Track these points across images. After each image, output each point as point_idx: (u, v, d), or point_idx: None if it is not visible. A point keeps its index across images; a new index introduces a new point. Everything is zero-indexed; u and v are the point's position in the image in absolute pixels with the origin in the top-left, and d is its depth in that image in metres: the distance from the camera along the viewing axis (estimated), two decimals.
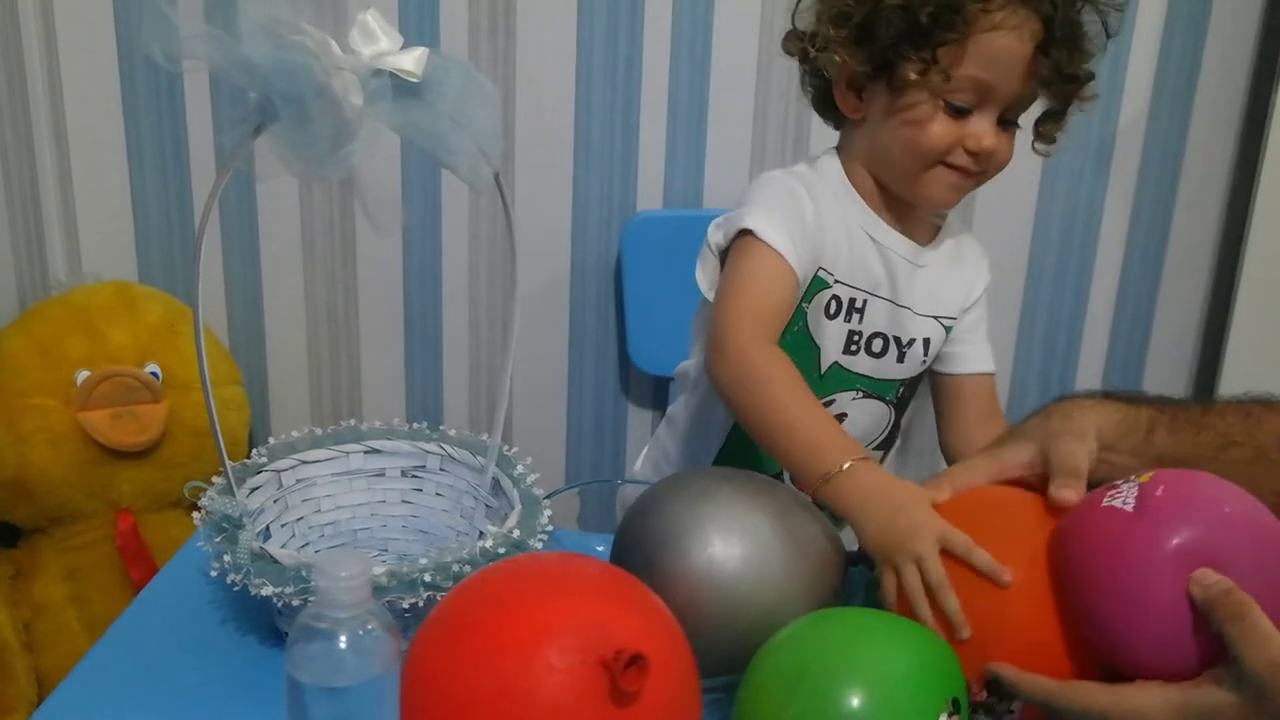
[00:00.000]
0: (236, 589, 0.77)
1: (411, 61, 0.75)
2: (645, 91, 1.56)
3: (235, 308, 1.71)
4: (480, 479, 0.94)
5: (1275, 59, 1.50)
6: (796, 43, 1.00)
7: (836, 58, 0.95)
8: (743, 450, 1.08)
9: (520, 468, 0.92)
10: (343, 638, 0.59)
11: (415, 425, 0.98)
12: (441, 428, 0.98)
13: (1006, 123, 0.96)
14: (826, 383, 1.03)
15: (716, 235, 1.00)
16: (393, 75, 0.74)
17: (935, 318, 1.06)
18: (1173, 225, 1.60)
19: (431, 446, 0.96)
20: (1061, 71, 0.92)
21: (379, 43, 0.74)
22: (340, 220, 1.66)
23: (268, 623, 0.85)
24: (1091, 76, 0.96)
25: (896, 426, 1.09)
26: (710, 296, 1.00)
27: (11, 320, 1.54)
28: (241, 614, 0.86)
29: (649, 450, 1.20)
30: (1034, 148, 1.01)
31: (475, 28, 1.55)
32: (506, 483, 0.91)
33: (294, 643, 0.60)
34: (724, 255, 1.00)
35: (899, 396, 1.07)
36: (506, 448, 0.94)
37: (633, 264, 1.59)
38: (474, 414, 1.73)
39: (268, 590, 0.75)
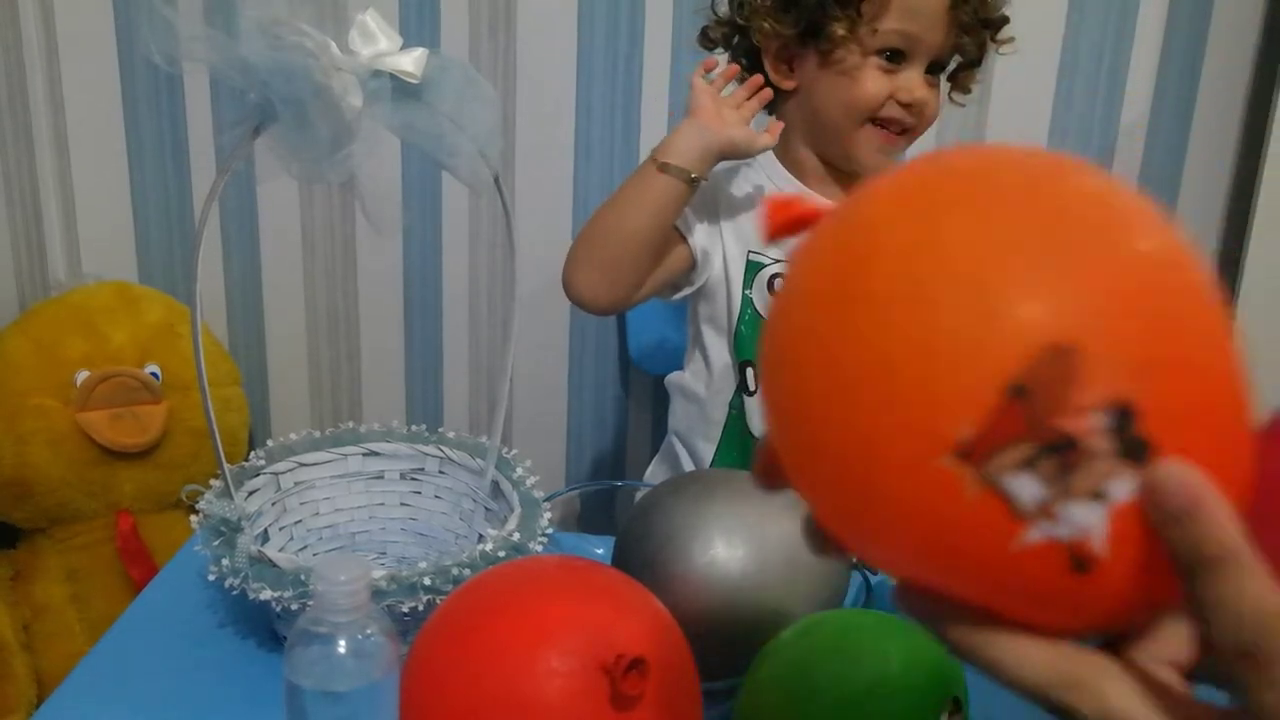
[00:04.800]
0: (235, 593, 0.77)
1: (411, 62, 0.75)
2: (645, 91, 1.56)
3: (235, 308, 1.71)
4: (480, 481, 0.93)
5: (1277, 60, 1.49)
6: (719, 28, 1.03)
7: (765, 24, 0.98)
8: (739, 450, 1.09)
9: (520, 470, 0.92)
10: (342, 642, 0.58)
11: (414, 428, 0.98)
12: (441, 430, 0.98)
13: (936, 72, 0.99)
14: None
15: None
16: (392, 76, 0.74)
17: None
18: None
19: (430, 449, 0.96)
20: (979, 16, 0.95)
21: (378, 44, 0.74)
22: (340, 220, 1.66)
23: (266, 626, 0.85)
24: (1006, 20, 0.99)
25: None
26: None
27: (11, 320, 1.54)
28: (240, 617, 0.86)
29: (657, 461, 1.21)
30: (950, 97, 1.02)
31: (475, 29, 1.55)
32: (506, 485, 0.91)
33: (293, 647, 0.59)
34: None
35: None
36: (506, 450, 0.94)
37: None
38: (474, 414, 1.73)
39: (266, 594, 0.75)
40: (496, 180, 0.81)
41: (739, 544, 0.76)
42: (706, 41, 1.06)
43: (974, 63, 1.00)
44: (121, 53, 1.61)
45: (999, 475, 0.34)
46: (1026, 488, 0.33)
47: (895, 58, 0.95)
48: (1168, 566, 0.35)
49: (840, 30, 0.94)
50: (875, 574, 0.83)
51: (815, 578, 0.78)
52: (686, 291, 1.05)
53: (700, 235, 1.01)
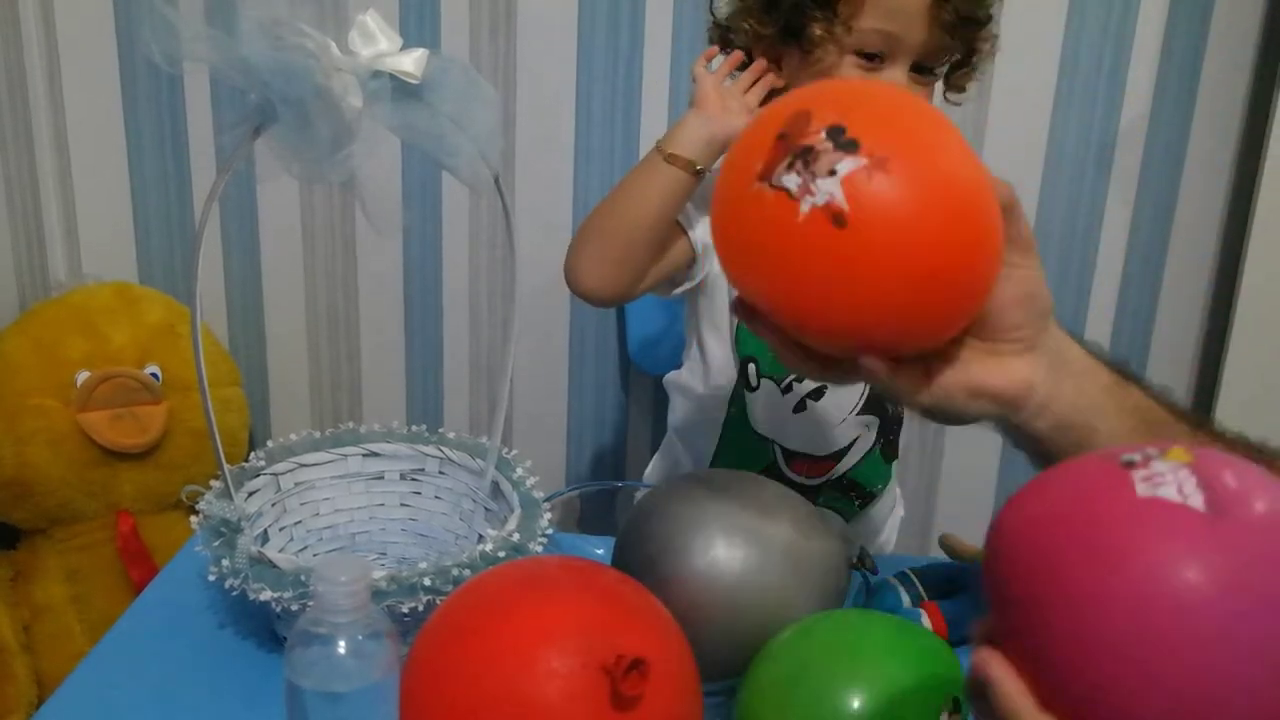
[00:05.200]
0: (235, 593, 0.77)
1: (411, 63, 0.75)
2: (645, 92, 1.56)
3: (235, 308, 1.71)
4: (480, 482, 0.93)
5: (1277, 60, 1.49)
6: (716, 30, 1.04)
7: (746, 25, 0.99)
8: (737, 449, 1.09)
9: (520, 470, 0.92)
10: (342, 642, 0.58)
11: (414, 428, 0.98)
12: (441, 430, 0.98)
13: (924, 72, 0.98)
14: None
15: None
16: (392, 77, 0.74)
17: None
18: (1174, 227, 1.60)
19: (430, 449, 0.96)
20: (962, 15, 0.94)
21: (379, 44, 0.74)
22: (340, 221, 1.66)
23: (267, 627, 0.85)
24: (989, 18, 0.98)
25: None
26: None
27: (12, 321, 1.54)
28: (241, 618, 0.86)
29: (658, 458, 1.21)
30: (946, 97, 1.02)
31: (476, 29, 1.55)
32: (506, 486, 0.91)
33: (293, 647, 0.59)
34: None
35: None
36: (506, 450, 0.94)
37: None
38: (474, 414, 1.73)
39: (266, 595, 0.75)
40: (496, 180, 0.81)
41: (739, 544, 0.76)
42: (712, 34, 1.07)
43: (964, 63, 1.00)
44: (121, 53, 1.61)
45: (777, 178, 0.57)
46: (792, 180, 0.57)
47: (874, 57, 0.95)
48: (913, 231, 0.56)
49: (817, 30, 0.94)
50: (875, 574, 0.83)
51: (815, 578, 0.78)
52: (685, 287, 1.05)
53: (701, 230, 1.01)
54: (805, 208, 0.56)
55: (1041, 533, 0.46)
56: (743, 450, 1.09)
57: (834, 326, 0.60)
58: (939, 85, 1.01)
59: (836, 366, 0.64)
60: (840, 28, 0.94)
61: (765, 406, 1.07)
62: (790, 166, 0.57)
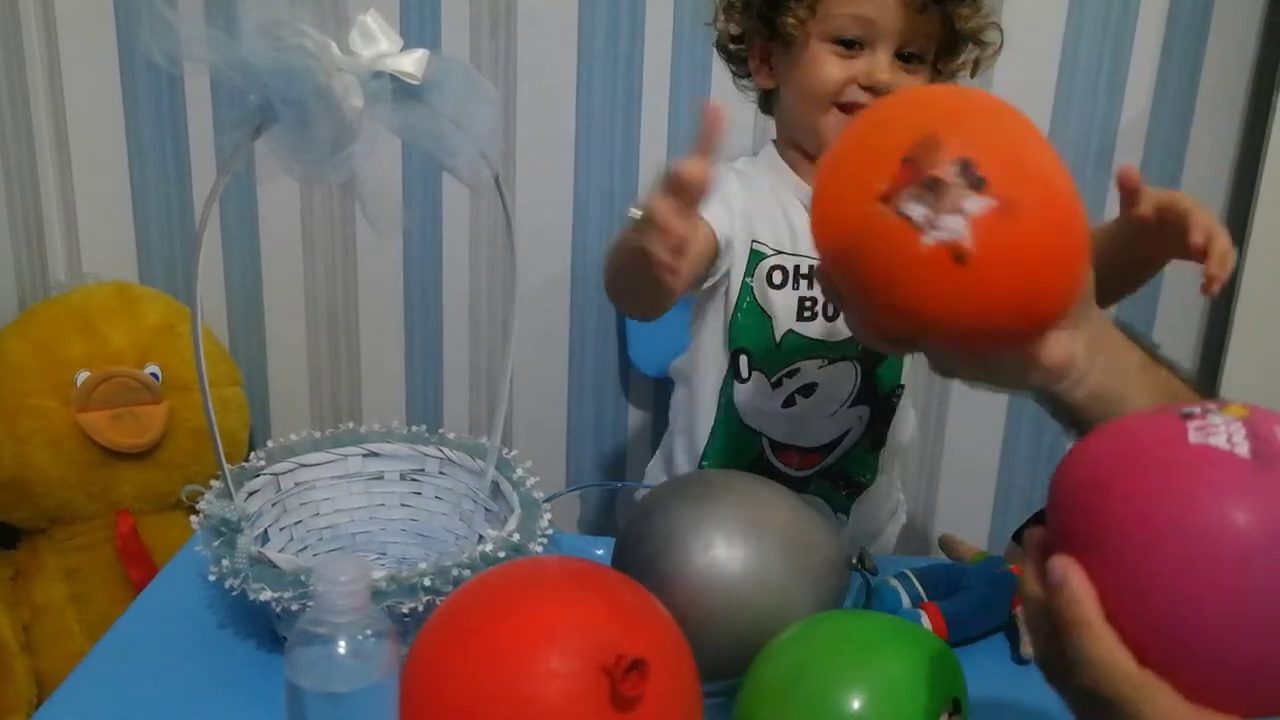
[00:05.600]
0: (235, 593, 0.77)
1: (411, 63, 0.75)
2: (645, 91, 1.56)
3: (235, 308, 1.71)
4: (480, 482, 0.93)
5: (1277, 59, 1.49)
6: (721, 41, 1.06)
7: (732, 26, 1.00)
8: (731, 441, 1.09)
9: (520, 471, 0.92)
10: (342, 643, 0.59)
11: (414, 428, 0.98)
12: (441, 430, 0.98)
13: (909, 60, 0.98)
14: (784, 351, 1.05)
15: None
16: (393, 77, 0.74)
17: None
18: None
19: (430, 449, 0.96)
20: None
21: (379, 44, 0.74)
22: (340, 221, 1.66)
23: (266, 627, 0.85)
24: (963, 1, 0.97)
25: (871, 379, 1.08)
26: None
27: (11, 321, 1.54)
28: (240, 618, 0.86)
29: (659, 452, 1.21)
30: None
31: (476, 29, 1.55)
32: (506, 486, 0.91)
33: (293, 647, 0.59)
34: None
35: (861, 351, 1.07)
36: (506, 451, 0.94)
37: None
38: (474, 415, 1.73)
39: (266, 595, 0.75)
40: (497, 180, 0.81)
41: (739, 544, 0.76)
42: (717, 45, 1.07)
43: (951, 50, 1.00)
44: (121, 53, 1.60)
45: (902, 205, 0.59)
46: (918, 210, 0.59)
47: (852, 44, 0.95)
48: (1028, 273, 0.60)
49: (791, 20, 0.95)
50: (875, 575, 0.83)
51: (815, 578, 0.78)
52: (711, 282, 1.04)
53: (723, 224, 1.01)
54: (929, 240, 0.59)
55: (1109, 468, 0.53)
56: (732, 440, 1.09)
57: (931, 339, 0.66)
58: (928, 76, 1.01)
59: (906, 344, 0.71)
60: (811, 16, 0.94)
61: (754, 399, 1.07)
62: (917, 197, 0.59)
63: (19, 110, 1.57)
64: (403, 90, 0.75)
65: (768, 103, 1.08)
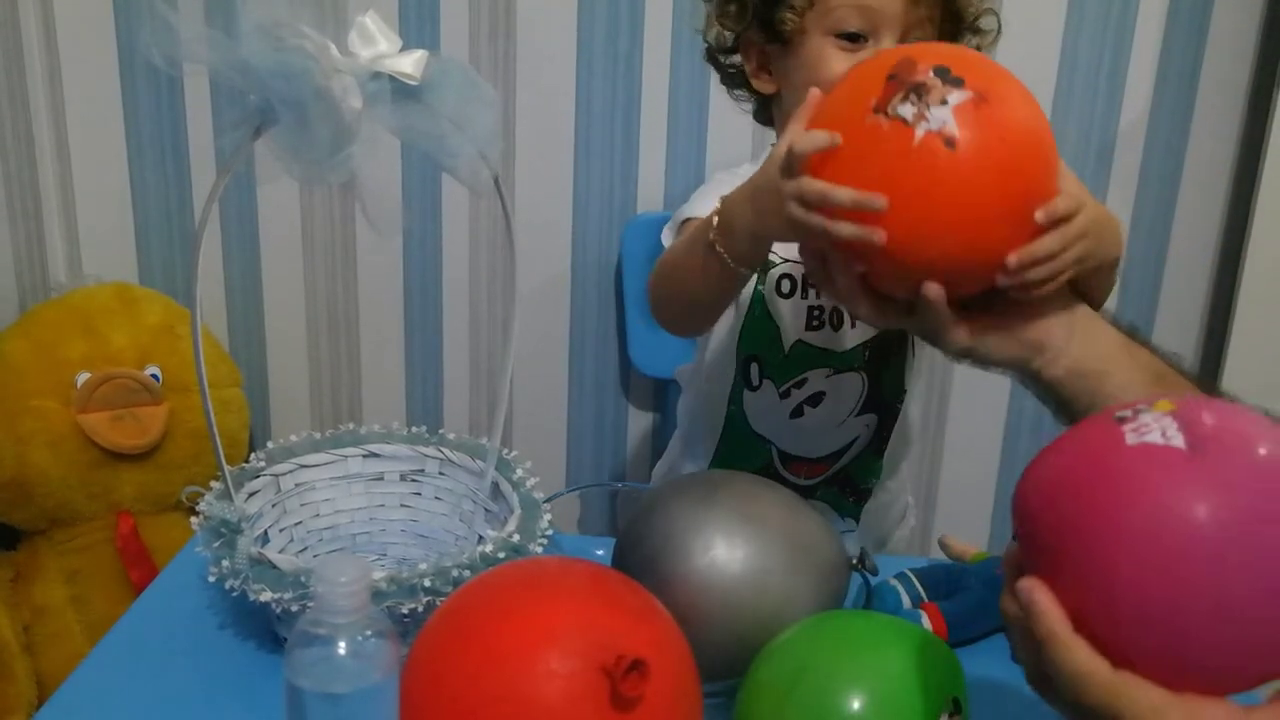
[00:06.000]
0: (235, 594, 0.77)
1: (411, 64, 0.75)
2: (645, 92, 1.56)
3: (235, 309, 1.71)
4: (480, 483, 0.93)
5: (1276, 59, 1.49)
6: (708, 52, 1.04)
7: (727, 31, 0.99)
8: (735, 447, 1.09)
9: (520, 471, 0.92)
10: (342, 643, 0.58)
11: (414, 429, 0.98)
12: (441, 431, 0.98)
13: None
14: (792, 361, 1.05)
15: (668, 237, 1.04)
16: (392, 78, 0.74)
17: None
18: (1174, 226, 1.60)
19: (430, 450, 0.96)
20: None
21: (378, 45, 0.74)
22: (340, 222, 1.66)
23: (267, 628, 0.85)
24: None
25: (877, 388, 1.08)
26: None
27: (11, 322, 1.54)
28: (240, 619, 0.86)
29: (666, 455, 1.21)
30: None
31: (475, 30, 1.55)
32: (506, 486, 0.91)
33: (293, 648, 0.59)
34: None
35: (866, 360, 1.07)
36: (506, 451, 0.94)
37: (633, 266, 1.59)
38: (474, 415, 1.73)
39: (266, 596, 0.75)
40: (496, 181, 0.81)
41: (739, 544, 0.76)
42: (708, 57, 1.05)
43: (948, 39, 0.99)
44: (121, 54, 1.61)
45: (894, 109, 0.68)
46: (908, 109, 0.67)
47: (855, 38, 0.94)
48: (1010, 149, 0.68)
49: (790, 16, 0.93)
50: (875, 575, 0.83)
51: (815, 578, 0.78)
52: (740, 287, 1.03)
53: None
54: (920, 133, 0.67)
55: (1057, 485, 0.55)
56: (741, 449, 1.09)
57: (930, 242, 0.69)
58: None
59: (895, 308, 0.74)
60: (816, 11, 0.93)
61: (763, 407, 1.07)
62: (905, 99, 0.67)
63: (19, 112, 1.57)
64: (402, 91, 0.75)
65: (764, 113, 1.06)
